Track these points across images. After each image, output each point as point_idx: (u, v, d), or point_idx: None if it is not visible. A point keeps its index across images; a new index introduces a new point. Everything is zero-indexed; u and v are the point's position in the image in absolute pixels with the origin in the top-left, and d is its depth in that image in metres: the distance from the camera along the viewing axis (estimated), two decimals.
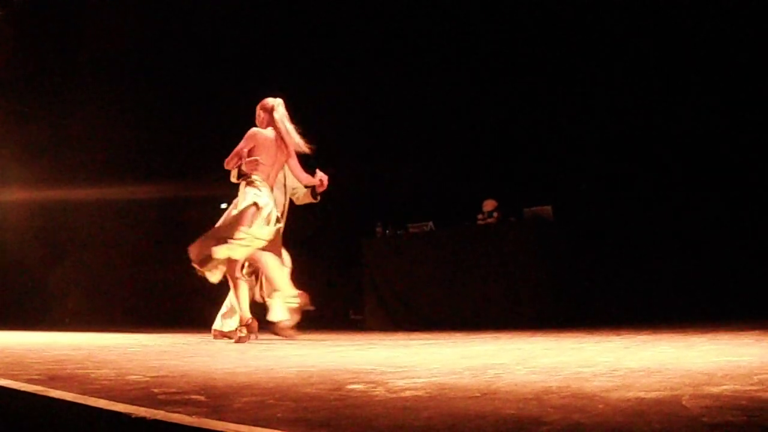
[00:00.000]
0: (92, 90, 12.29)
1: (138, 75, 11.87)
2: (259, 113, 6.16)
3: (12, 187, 12.60)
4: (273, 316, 6.13)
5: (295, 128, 6.01)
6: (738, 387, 2.24)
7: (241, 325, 5.84)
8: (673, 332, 5.38)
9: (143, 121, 12.00)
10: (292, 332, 6.07)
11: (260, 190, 5.76)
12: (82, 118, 12.49)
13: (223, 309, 6.46)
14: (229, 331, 6.19)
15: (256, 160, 5.79)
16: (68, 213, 13.01)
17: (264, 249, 5.79)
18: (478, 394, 2.19)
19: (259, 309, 6.24)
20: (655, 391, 2.17)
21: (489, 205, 8.64)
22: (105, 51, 12.02)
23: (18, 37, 11.89)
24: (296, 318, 6.13)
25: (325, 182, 6.14)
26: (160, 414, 1.88)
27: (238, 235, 5.55)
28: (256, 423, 1.74)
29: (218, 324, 6.40)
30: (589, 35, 8.64)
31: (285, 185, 6.51)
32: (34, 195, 12.54)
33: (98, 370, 3.22)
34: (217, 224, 5.88)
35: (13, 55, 11.96)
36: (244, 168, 5.83)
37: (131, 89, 11.95)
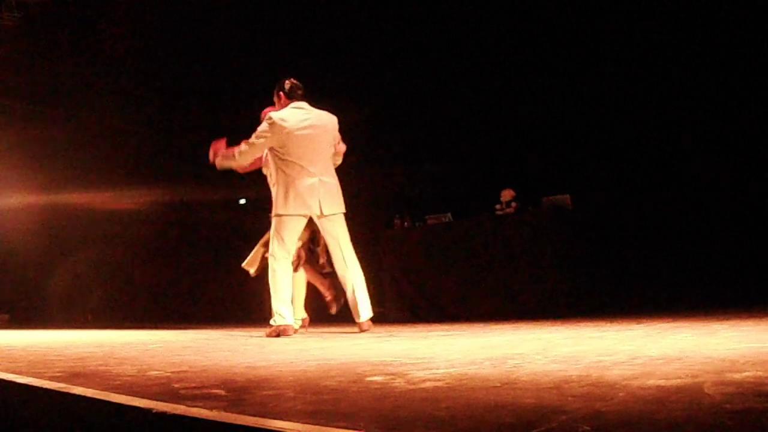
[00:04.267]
0: (105, 92, 12.37)
1: (149, 77, 11.92)
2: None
3: (28, 189, 12.71)
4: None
5: None
6: (761, 373, 2.22)
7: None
8: (694, 320, 5.34)
9: (156, 121, 12.08)
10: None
11: None
12: (96, 119, 12.57)
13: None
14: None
15: None
16: (84, 213, 13.11)
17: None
18: (498, 384, 2.19)
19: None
20: (677, 378, 2.16)
21: (507, 194, 8.61)
22: (115, 54, 12.08)
23: (34, 40, 11.96)
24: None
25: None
26: (180, 408, 1.89)
27: None
28: (275, 416, 1.74)
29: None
30: (606, 24, 8.58)
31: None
32: (49, 197, 12.65)
33: (119, 366, 3.25)
34: None
35: (26, 58, 12.04)
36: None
37: (143, 91, 12.01)
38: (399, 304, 8.94)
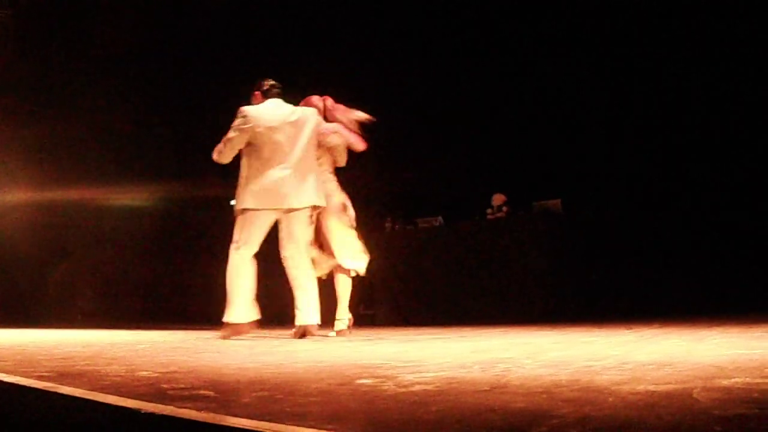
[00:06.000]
0: (97, 89, 12.32)
1: (143, 74, 11.89)
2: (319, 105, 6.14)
3: (19, 187, 12.64)
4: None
5: None
6: (749, 380, 2.22)
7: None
8: (683, 325, 5.36)
9: (148, 119, 12.04)
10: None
11: None
12: (89, 117, 12.52)
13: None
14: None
15: None
16: (76, 212, 13.05)
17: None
18: (488, 388, 2.19)
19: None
20: (666, 384, 2.16)
21: (498, 199, 8.62)
22: (109, 50, 12.04)
23: (23, 36, 11.91)
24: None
25: None
26: (168, 409, 1.88)
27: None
28: (264, 418, 1.73)
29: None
30: (597, 30, 8.60)
31: None
32: (41, 195, 12.59)
33: (108, 366, 3.23)
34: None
35: (19, 55, 11.99)
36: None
37: (136, 88, 11.97)
38: (389, 307, 8.94)
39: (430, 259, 8.82)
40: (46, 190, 12.51)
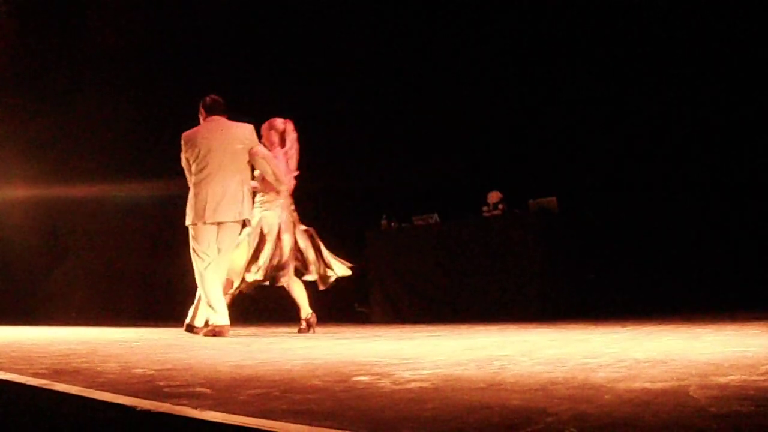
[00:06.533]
0: (95, 86, 12.28)
1: (140, 70, 11.85)
2: (270, 134, 6.23)
3: (15, 184, 12.61)
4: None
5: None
6: (745, 377, 2.23)
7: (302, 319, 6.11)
8: (678, 323, 5.37)
9: (146, 116, 12.00)
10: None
11: None
12: (85, 114, 12.48)
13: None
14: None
15: None
16: (72, 209, 13.02)
17: None
18: (484, 386, 2.19)
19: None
20: (662, 381, 2.17)
21: (494, 197, 8.61)
22: (107, 46, 12.00)
23: (21, 31, 11.87)
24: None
25: None
26: (164, 407, 1.87)
27: None
28: (261, 415, 1.73)
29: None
30: (594, 28, 8.59)
31: None
32: (37, 191, 12.55)
33: (103, 363, 3.23)
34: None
35: (16, 50, 11.94)
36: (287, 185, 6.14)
37: (133, 85, 11.93)
38: (385, 305, 8.93)
39: (426, 257, 8.81)
40: (39, 187, 12.48)
